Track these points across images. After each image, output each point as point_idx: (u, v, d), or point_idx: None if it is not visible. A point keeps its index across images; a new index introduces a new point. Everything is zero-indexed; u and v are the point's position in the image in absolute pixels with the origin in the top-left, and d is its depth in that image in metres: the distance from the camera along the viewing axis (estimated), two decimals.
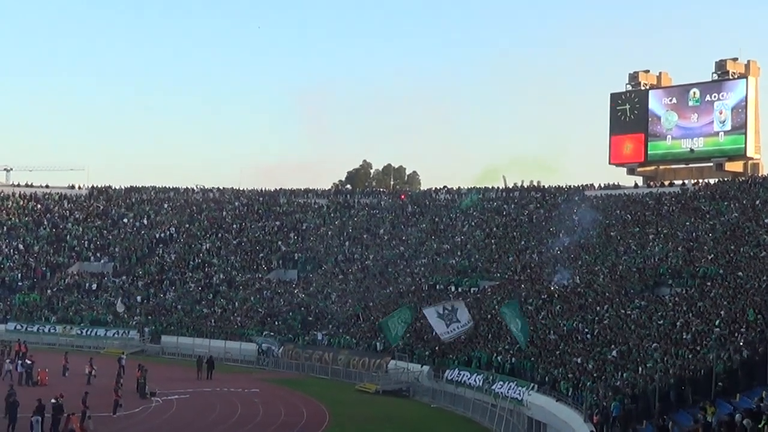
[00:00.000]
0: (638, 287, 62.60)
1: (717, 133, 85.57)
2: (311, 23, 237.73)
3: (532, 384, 51.85)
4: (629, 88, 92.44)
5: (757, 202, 71.66)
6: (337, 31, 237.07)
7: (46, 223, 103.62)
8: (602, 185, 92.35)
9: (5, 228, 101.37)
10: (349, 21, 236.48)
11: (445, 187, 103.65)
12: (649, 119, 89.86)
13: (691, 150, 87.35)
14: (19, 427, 42.54)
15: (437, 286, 78.57)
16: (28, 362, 60.56)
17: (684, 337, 47.84)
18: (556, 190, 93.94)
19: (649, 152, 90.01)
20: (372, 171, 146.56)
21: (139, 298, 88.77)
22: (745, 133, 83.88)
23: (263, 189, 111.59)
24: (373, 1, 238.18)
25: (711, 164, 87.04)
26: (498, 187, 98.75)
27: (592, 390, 43.89)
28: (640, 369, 44.09)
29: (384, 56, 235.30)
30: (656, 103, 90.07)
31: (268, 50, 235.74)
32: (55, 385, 55.81)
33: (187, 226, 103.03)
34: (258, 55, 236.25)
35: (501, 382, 54.30)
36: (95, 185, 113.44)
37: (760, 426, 23.14)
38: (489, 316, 66.61)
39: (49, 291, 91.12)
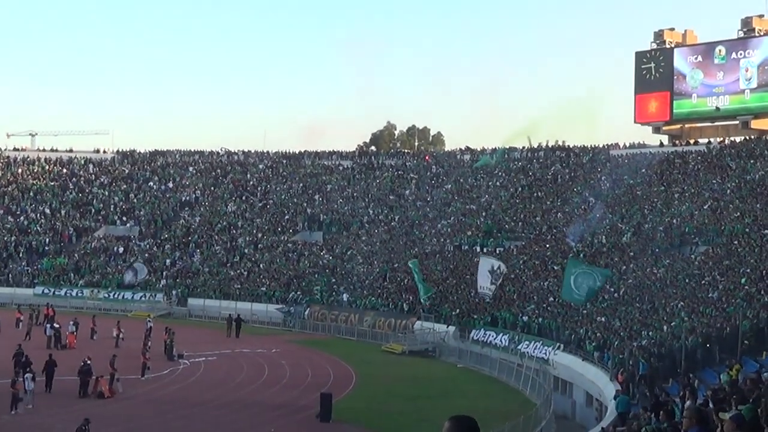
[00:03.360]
0: (664, 246, 62.54)
1: (743, 91, 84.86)
2: None
3: (557, 343, 51.99)
4: (654, 46, 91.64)
5: None
6: None
7: (72, 187, 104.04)
8: (627, 144, 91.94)
9: (31, 192, 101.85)
10: None
11: (468, 148, 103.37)
12: (675, 77, 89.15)
13: (717, 108, 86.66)
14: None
15: (462, 247, 78.64)
16: (56, 325, 60.97)
17: (710, 295, 47.85)
18: (581, 149, 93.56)
19: (674, 111, 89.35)
20: (396, 132, 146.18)
21: (166, 261, 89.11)
22: None
23: (288, 151, 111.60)
24: None
25: (737, 122, 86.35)
26: (523, 147, 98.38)
27: (618, 349, 43.96)
28: (665, 328, 44.13)
29: (407, 16, 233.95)
30: (681, 61, 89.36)
31: (293, 10, 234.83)
32: (83, 348, 56.18)
33: (212, 188, 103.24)
34: (282, 16, 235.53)
35: (527, 342, 54.49)
36: (120, 149, 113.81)
37: None
38: (514, 276, 66.67)
39: (75, 255, 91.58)
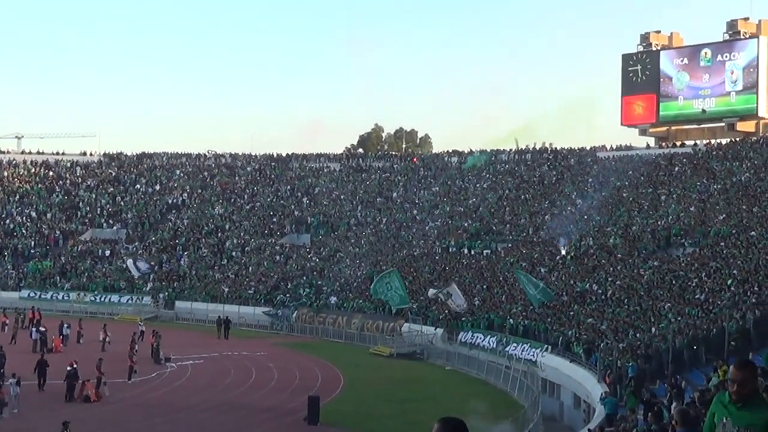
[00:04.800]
0: (651, 247, 62.65)
1: (728, 93, 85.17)
2: None
3: (545, 345, 52.04)
4: (641, 48, 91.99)
5: None
6: None
7: (58, 190, 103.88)
8: (614, 146, 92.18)
9: (18, 195, 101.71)
10: None
11: (455, 150, 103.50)
12: (661, 80, 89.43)
13: (703, 110, 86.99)
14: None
15: (450, 249, 78.71)
16: (42, 329, 60.75)
17: (697, 296, 47.93)
18: (568, 151, 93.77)
19: (660, 113, 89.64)
20: (384, 134, 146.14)
21: (153, 264, 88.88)
22: (757, 93, 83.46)
23: (275, 154, 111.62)
24: None
25: (723, 124, 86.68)
26: (510, 150, 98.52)
27: (606, 350, 44.01)
28: (653, 329, 44.19)
29: (394, 20, 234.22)
30: (668, 63, 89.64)
31: (281, 13, 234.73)
32: (69, 351, 55.99)
33: (200, 191, 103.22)
34: (270, 19, 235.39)
35: (515, 344, 54.48)
36: (107, 152, 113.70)
37: None
38: (502, 279, 66.76)
39: (62, 258, 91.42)
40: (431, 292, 65.47)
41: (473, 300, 63.43)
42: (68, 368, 44.22)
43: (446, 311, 64.22)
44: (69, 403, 43.08)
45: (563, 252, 68.38)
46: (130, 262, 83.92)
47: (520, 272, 58.89)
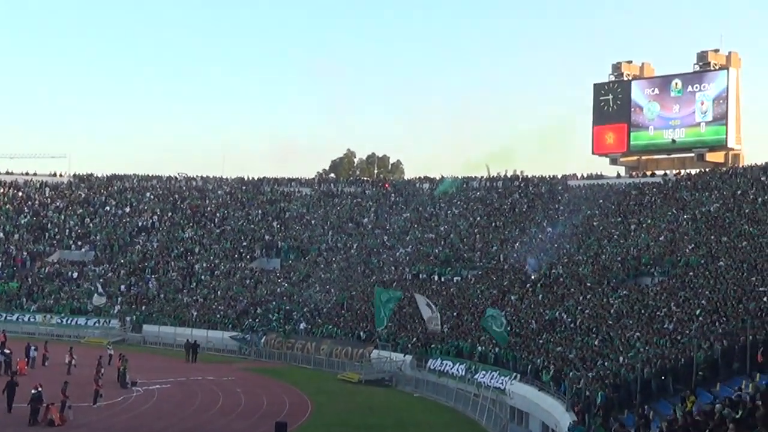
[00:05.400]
0: (620, 276, 62.76)
1: (698, 124, 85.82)
2: (291, 10, 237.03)
3: (514, 373, 51.95)
4: (612, 78, 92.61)
5: (738, 192, 71.86)
6: (319, 19, 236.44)
7: (26, 210, 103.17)
8: (585, 175, 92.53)
9: None
10: (330, 9, 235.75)
11: (427, 177, 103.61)
12: (632, 109, 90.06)
13: (673, 140, 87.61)
14: None
15: (420, 275, 78.65)
16: (7, 351, 60.06)
17: (665, 326, 47.99)
18: (540, 179, 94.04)
19: (631, 142, 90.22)
20: (356, 160, 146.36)
21: (121, 287, 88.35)
22: (726, 124, 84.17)
23: (247, 177, 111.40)
24: None
25: (692, 155, 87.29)
26: (481, 177, 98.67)
27: (575, 379, 43.95)
28: (621, 358, 44.18)
29: (367, 45, 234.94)
30: (639, 93, 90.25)
31: (249, 37, 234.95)
32: (34, 374, 55.47)
33: (170, 214, 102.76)
34: (241, 43, 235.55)
35: (483, 372, 54.38)
36: (77, 173, 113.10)
37: (738, 416, 23.12)
38: (471, 306, 66.72)
39: (29, 279, 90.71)
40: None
41: (443, 327, 63.21)
42: (33, 391, 43.70)
43: (414, 338, 64.13)
44: (33, 427, 42.55)
45: (532, 277, 68.44)
46: (96, 294, 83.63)
47: (488, 320, 57.88)
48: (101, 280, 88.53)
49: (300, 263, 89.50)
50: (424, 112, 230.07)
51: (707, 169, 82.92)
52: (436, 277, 77.50)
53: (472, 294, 69.42)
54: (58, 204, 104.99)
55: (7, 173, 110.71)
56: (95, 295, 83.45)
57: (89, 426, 44.63)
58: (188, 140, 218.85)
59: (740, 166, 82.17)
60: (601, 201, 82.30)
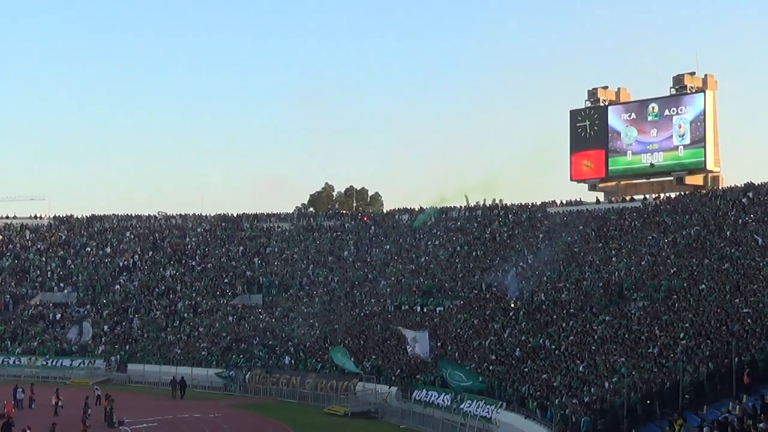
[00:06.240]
0: (603, 302, 62.87)
1: (676, 147, 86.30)
2: (268, 44, 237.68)
3: (500, 402, 51.92)
4: (588, 104, 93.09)
5: (718, 214, 72.14)
6: (295, 54, 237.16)
7: (8, 253, 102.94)
8: (564, 201, 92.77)
9: None
10: (306, 43, 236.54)
11: (405, 208, 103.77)
12: (609, 135, 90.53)
13: (652, 165, 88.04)
14: None
15: (402, 307, 78.65)
16: None
17: (650, 350, 48.14)
18: (519, 207, 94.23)
19: (609, 168, 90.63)
20: (334, 193, 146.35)
21: (105, 327, 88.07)
22: (705, 147, 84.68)
23: (226, 214, 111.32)
24: (331, 19, 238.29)
25: (671, 178, 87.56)
26: (461, 206, 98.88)
27: (561, 406, 44.04)
28: (607, 384, 44.30)
29: (343, 78, 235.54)
30: (615, 118, 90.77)
31: (227, 69, 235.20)
32: (22, 416, 55.24)
33: (150, 253, 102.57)
34: (217, 75, 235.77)
35: (469, 401, 54.30)
36: (57, 214, 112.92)
37: None
38: (455, 336, 66.75)
39: (12, 322, 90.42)
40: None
41: (427, 357, 63.19)
42: None
43: (399, 369, 64.15)
44: None
45: (512, 304, 68.57)
46: (73, 331, 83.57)
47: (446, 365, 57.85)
48: (90, 319, 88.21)
49: (282, 298, 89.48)
50: (401, 144, 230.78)
51: (687, 192, 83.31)
52: (418, 308, 77.49)
53: (456, 324, 69.43)
54: (39, 246, 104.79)
55: None
56: (72, 330, 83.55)
57: None
58: (166, 179, 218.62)
59: (720, 188, 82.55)
60: (581, 227, 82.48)
